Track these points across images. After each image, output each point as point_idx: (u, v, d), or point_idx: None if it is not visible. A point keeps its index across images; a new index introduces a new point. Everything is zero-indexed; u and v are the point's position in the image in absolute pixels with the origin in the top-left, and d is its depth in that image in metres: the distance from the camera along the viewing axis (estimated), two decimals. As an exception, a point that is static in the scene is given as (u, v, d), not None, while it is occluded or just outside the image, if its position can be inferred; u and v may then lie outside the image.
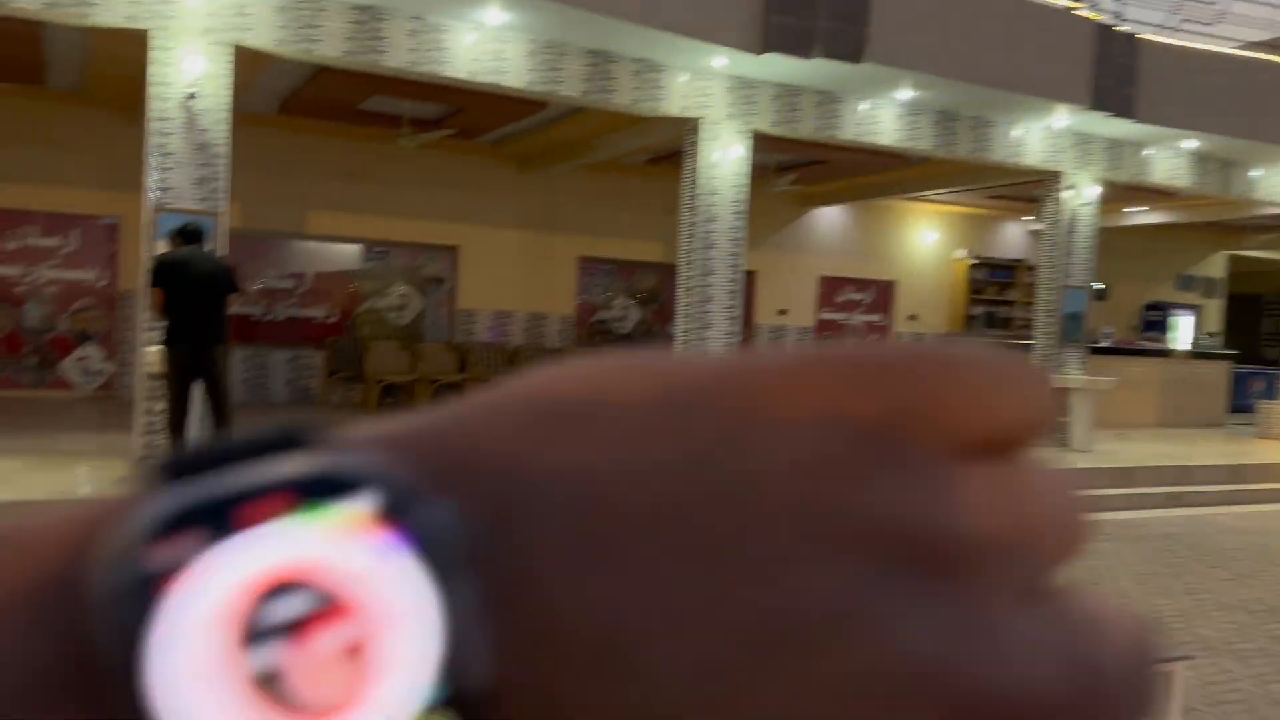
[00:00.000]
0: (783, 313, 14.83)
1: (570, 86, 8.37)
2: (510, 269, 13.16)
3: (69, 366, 11.18)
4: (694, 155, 9.22)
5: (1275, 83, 10.64)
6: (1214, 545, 7.84)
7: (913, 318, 15.77)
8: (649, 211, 13.49)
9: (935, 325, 15.90)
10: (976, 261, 16.03)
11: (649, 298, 14.20)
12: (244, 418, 7.36)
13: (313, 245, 12.21)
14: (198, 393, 6.73)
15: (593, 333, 13.88)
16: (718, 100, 9.07)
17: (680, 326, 9.42)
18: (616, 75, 8.55)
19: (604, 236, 13.67)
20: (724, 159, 9.21)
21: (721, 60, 8.62)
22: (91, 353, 11.26)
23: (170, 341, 6.53)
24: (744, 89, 9.15)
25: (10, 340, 10.91)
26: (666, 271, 13.78)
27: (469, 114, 10.52)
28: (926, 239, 15.87)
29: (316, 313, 12.27)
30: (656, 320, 14.19)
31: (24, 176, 10.68)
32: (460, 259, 12.90)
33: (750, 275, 13.64)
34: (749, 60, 8.54)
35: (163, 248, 6.70)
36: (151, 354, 6.71)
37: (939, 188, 13.15)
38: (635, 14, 7.70)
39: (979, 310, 16.10)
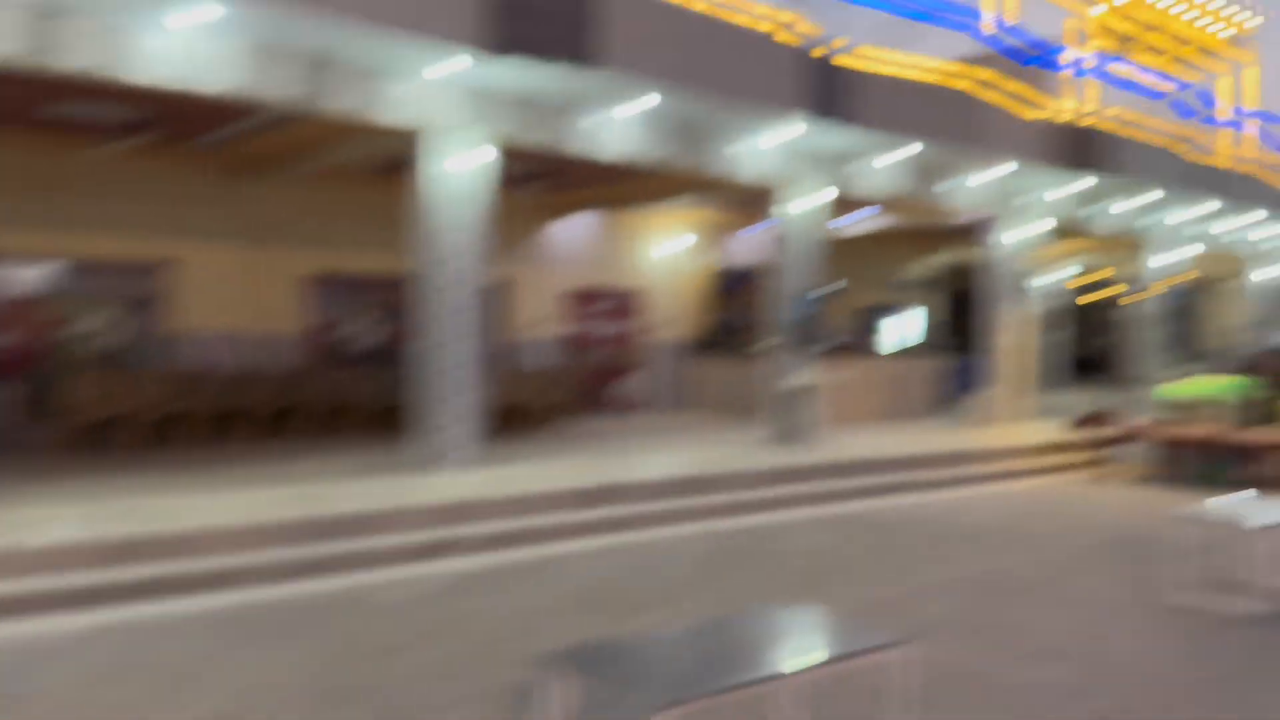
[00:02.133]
0: (534, 324, 14.69)
1: (285, 91, 7.77)
2: (233, 286, 12.13)
3: None
4: (426, 164, 8.86)
5: (964, 100, 11.76)
6: (932, 528, 8.47)
7: (661, 325, 16.13)
8: (386, 223, 12.85)
9: (680, 331, 16.34)
10: (717, 268, 16.64)
11: (388, 313, 13.56)
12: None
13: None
14: None
15: (326, 352, 13.07)
16: (449, 108, 8.76)
17: (420, 342, 9.02)
18: (337, 81, 8.04)
19: (338, 250, 12.93)
20: (461, 169, 8.92)
21: (453, 67, 8.33)
22: None
23: None
24: (477, 97, 8.89)
25: None
26: (406, 285, 13.26)
27: (173, 120, 9.56)
28: (671, 247, 16.28)
29: (3, 342, 10.73)
30: (396, 337, 13.56)
31: None
32: (173, 276, 11.72)
33: (497, 288, 13.41)
34: (481, 68, 8.31)
35: None
36: None
37: (678, 196, 13.50)
38: (358, 11, 7.26)
39: (720, 316, 16.72)
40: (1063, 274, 19.21)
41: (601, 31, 8.50)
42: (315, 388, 12.15)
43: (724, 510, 8.73)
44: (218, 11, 6.97)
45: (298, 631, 5.26)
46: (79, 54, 6.83)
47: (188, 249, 11.76)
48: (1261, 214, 17.55)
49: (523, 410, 12.60)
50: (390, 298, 13.45)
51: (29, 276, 10.91)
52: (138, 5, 6.83)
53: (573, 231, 15.25)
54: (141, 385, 10.82)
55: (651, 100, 9.43)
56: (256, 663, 4.76)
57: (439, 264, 8.88)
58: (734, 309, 16.82)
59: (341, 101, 8.10)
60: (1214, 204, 16.05)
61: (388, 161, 11.31)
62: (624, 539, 7.81)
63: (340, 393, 12.28)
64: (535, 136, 9.32)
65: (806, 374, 11.47)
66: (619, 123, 9.79)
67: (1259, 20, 20.00)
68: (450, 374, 8.92)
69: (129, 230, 11.30)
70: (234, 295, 12.12)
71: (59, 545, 5.84)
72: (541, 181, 12.55)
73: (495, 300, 13.38)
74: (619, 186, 13.37)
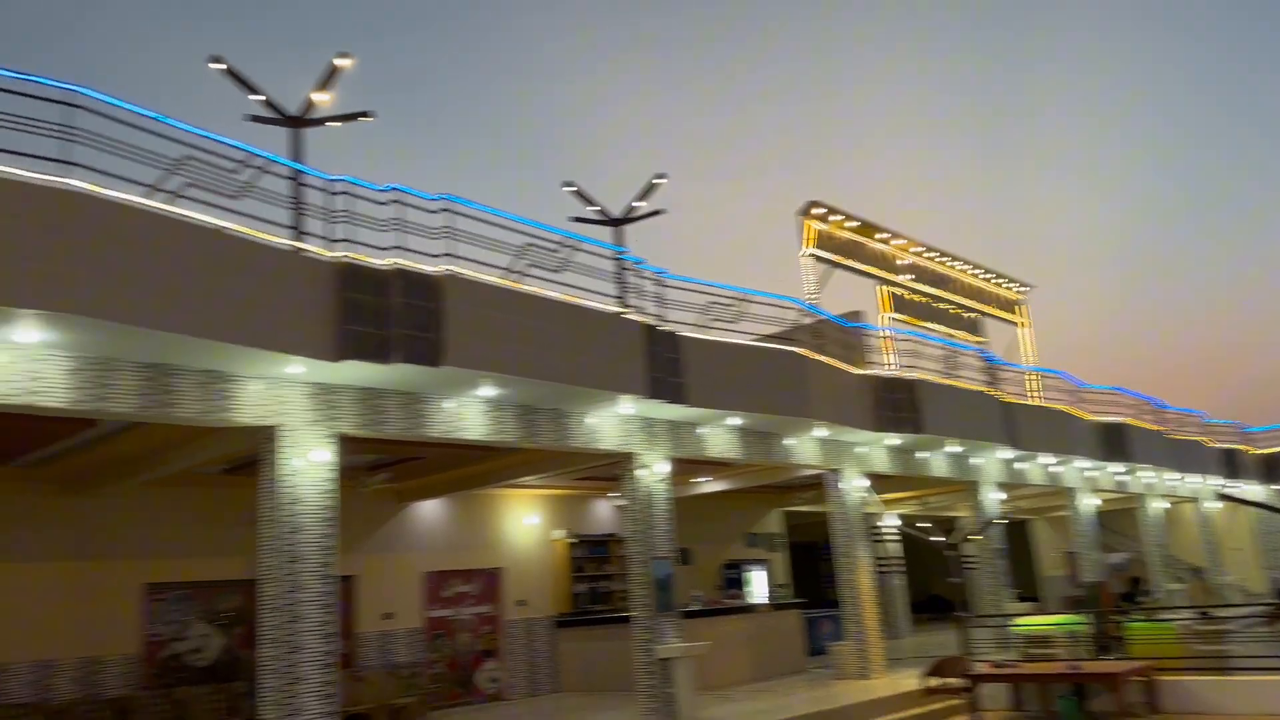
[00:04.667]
0: (388, 616, 14.05)
1: (123, 403, 7.69)
2: (53, 608, 11.21)
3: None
4: (271, 464, 8.74)
5: (790, 367, 12.71)
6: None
7: (521, 602, 15.71)
8: (227, 524, 12.41)
9: (543, 608, 15.96)
10: (575, 540, 16.60)
11: (233, 620, 12.74)
12: None
13: None
14: None
15: (164, 670, 12.03)
16: (295, 406, 8.81)
17: (265, 651, 8.47)
18: (179, 387, 8.03)
19: (175, 558, 12.26)
20: (306, 465, 8.83)
21: (297, 368, 8.48)
22: None
23: None
24: (324, 394, 9.01)
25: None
26: (251, 589, 12.60)
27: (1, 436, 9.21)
28: (527, 523, 16.21)
29: None
30: (242, 645, 12.66)
31: None
32: (-13, 604, 10.77)
33: (347, 581, 12.89)
34: (326, 367, 8.49)
35: None
36: None
37: (530, 474, 13.65)
38: (198, 329, 7.39)
39: (583, 588, 16.49)
40: (898, 518, 20.13)
41: (440, 330, 8.87)
42: (147, 714, 11.05)
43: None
44: (39, 335, 6.98)
45: None
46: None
47: (3, 573, 10.91)
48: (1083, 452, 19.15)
49: (376, 714, 11.77)
50: (235, 602, 12.71)
51: None
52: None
53: (428, 515, 15.05)
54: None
55: (491, 391, 9.80)
56: None
57: (287, 564, 8.55)
58: (595, 578, 16.67)
59: (185, 409, 8.05)
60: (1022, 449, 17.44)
61: (230, 463, 11.09)
62: None
63: (179, 714, 11.20)
64: (384, 427, 9.42)
65: (674, 641, 11.33)
66: (476, 405, 10.06)
67: (1029, 289, 23.00)
68: (301, 684, 8.36)
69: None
70: (59, 618, 11.18)
71: None
72: (391, 469, 12.51)
73: (347, 594, 12.81)
74: (470, 467, 13.45)
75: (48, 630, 11.12)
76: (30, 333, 6.97)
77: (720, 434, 12.78)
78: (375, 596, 13.99)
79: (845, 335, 14.87)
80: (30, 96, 7.16)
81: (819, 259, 16.96)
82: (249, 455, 10.28)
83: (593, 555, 16.80)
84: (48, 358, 7.33)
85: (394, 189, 9.23)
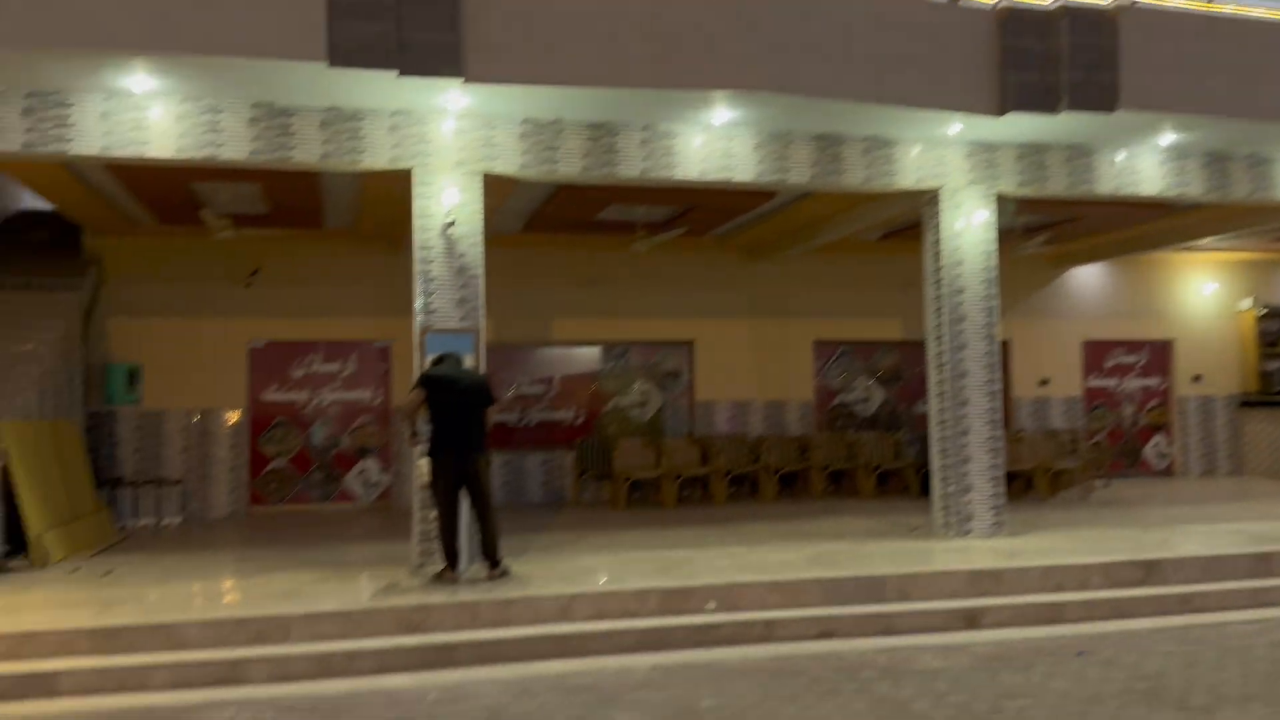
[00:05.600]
0: (1044, 382, 13.82)
1: (799, 173, 8.32)
2: (745, 358, 13.11)
3: (351, 480, 12.14)
4: (935, 226, 8.86)
5: None
6: None
7: (1197, 378, 14.24)
8: (884, 288, 13.12)
9: (1225, 386, 14.27)
10: (1265, 311, 14.31)
11: (890, 377, 13.69)
12: (504, 520, 7.62)
13: (558, 351, 12.76)
14: (464, 500, 7.06)
15: (834, 416, 13.50)
16: (956, 168, 8.71)
17: (933, 405, 8.93)
18: (846, 156, 8.42)
19: (839, 317, 13.38)
20: (967, 227, 8.78)
21: (956, 126, 8.30)
22: (370, 466, 12.19)
23: (436, 453, 6.94)
24: (984, 153, 8.74)
25: (299, 459, 12.01)
26: (906, 349, 13.28)
27: (698, 211, 10.71)
28: (1205, 291, 14.39)
29: (564, 415, 12.72)
30: (900, 400, 13.63)
31: (306, 311, 11.89)
32: (696, 352, 13.01)
33: (1003, 345, 12.88)
34: (986, 124, 8.16)
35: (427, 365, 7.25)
36: (421, 465, 7.12)
37: (1211, 234, 11.92)
38: (865, 93, 7.58)
39: (1275, 365, 14.29)
40: None
41: (1114, 70, 7.89)
42: (823, 451, 12.59)
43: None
44: (733, 112, 7.72)
45: (838, 689, 5.41)
46: (634, 161, 7.97)
47: (708, 327, 13.00)
48: None
49: (1040, 474, 11.83)
50: (892, 361, 13.60)
51: (581, 359, 12.86)
52: (680, 110, 7.79)
53: (1087, 281, 14.15)
54: (672, 450, 12.06)
55: (1171, 137, 8.56)
56: (802, 718, 4.97)
57: (952, 323, 8.76)
58: (1293, 356, 14.30)
59: (852, 176, 8.46)
60: None
61: (888, 227, 11.53)
62: (1170, 622, 6.90)
63: (847, 455, 12.57)
64: (1046, 185, 8.90)
65: None
66: (1152, 156, 8.99)
67: None
68: (968, 437, 8.70)
69: (660, 314, 12.81)
70: (749, 366, 13.10)
71: (631, 590, 6.68)
72: (1049, 230, 11.87)
73: (1003, 358, 12.83)
74: (1139, 228, 12.18)
75: (743, 376, 13.09)
76: (722, 113, 7.79)
77: None
78: (1029, 362, 13.80)
79: None
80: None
81: None
82: (905, 221, 10.58)
83: (1288, 329, 14.35)
84: (736, 137, 8.17)
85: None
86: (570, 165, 7.89)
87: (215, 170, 8.24)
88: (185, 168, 7.88)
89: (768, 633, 6.47)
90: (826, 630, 6.54)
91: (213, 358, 11.66)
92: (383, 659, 5.89)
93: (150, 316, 11.49)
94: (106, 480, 10.79)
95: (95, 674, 5.57)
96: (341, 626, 6.13)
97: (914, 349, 12.49)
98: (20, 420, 8.73)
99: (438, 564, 7.18)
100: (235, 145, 7.22)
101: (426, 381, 6.98)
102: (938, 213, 8.78)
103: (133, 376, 11.33)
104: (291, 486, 11.96)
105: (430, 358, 7.36)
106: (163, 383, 11.44)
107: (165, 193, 9.44)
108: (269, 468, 11.91)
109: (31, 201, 11.57)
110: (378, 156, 7.49)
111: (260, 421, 11.90)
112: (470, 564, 7.27)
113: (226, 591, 7.12)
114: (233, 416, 11.70)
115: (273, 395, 11.97)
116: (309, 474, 12.03)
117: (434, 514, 7.16)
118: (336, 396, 12.16)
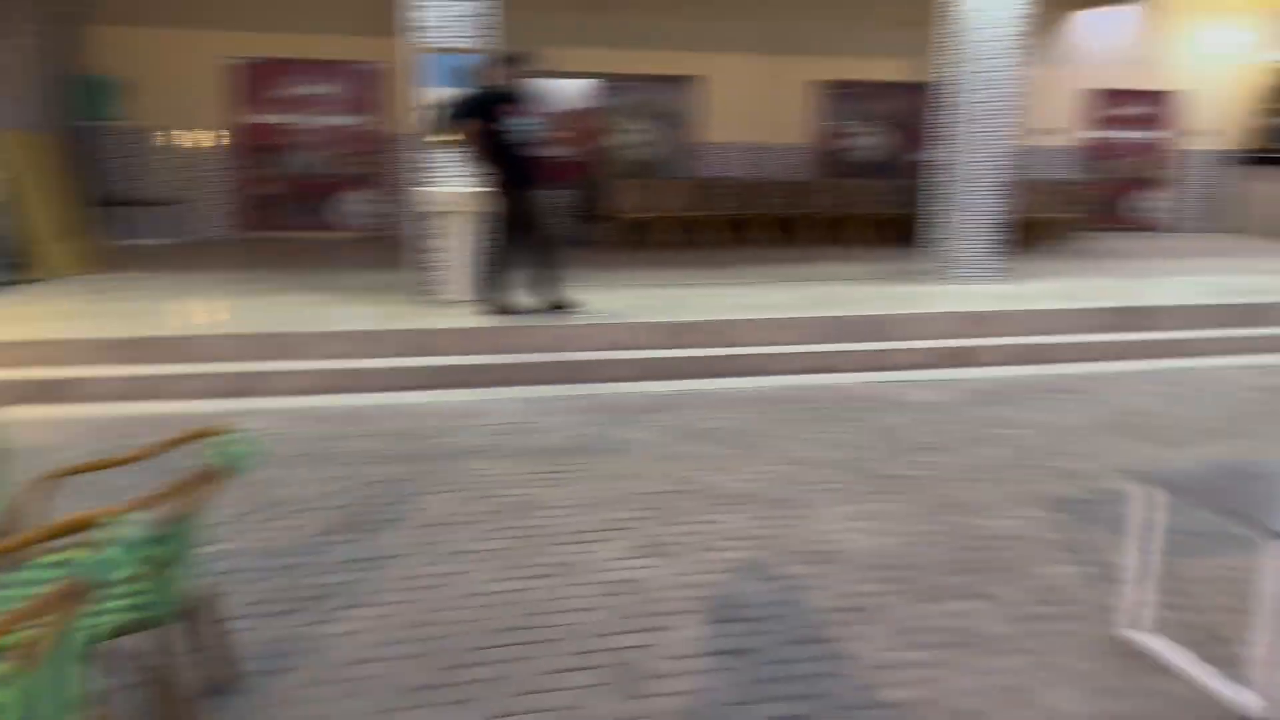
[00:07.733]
0: (1048, 131, 13.56)
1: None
2: (747, 99, 12.70)
3: (341, 209, 12.02)
4: (962, -43, 8.33)
5: None
6: None
7: (1201, 133, 14.01)
8: (894, 26, 12.52)
9: (1229, 141, 14.07)
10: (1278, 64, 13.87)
11: (896, 122, 13.35)
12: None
13: (557, 83, 12.26)
14: (522, 237, 6.90)
15: (835, 161, 13.29)
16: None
17: (938, 150, 8.79)
18: None
19: (844, 57, 12.85)
20: (996, -41, 8.26)
21: None
22: (362, 195, 12.03)
23: (505, 185, 6.71)
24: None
25: (287, 185, 11.81)
26: (914, 92, 12.88)
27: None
28: (1220, 40, 13.84)
29: (565, 152, 12.44)
30: (905, 146, 13.37)
31: (290, 25, 11.26)
32: (698, 90, 12.57)
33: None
34: None
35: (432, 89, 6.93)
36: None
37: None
38: None
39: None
40: None
41: None
42: (822, 196, 12.50)
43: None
44: None
45: (836, 418, 5.70)
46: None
47: (712, 64, 12.47)
48: None
49: (1034, 224, 11.89)
50: (897, 106, 13.23)
51: (581, 92, 12.38)
52: None
53: (1097, 25, 13.54)
54: (671, 192, 11.94)
55: None
56: (801, 439, 5.27)
57: (967, 66, 8.46)
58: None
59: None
60: None
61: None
62: (1155, 365, 7.23)
63: (845, 201, 12.50)
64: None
65: None
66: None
67: None
68: (971, 183, 8.65)
69: (663, 47, 12.23)
70: (751, 107, 12.70)
71: (641, 323, 6.84)
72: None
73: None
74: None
75: (745, 117, 12.72)
76: None
77: None
78: (1035, 108, 13.47)
79: None
80: None
81: None
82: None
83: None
84: None
85: None
86: None
87: None
88: None
89: (767, 366, 6.72)
90: (825, 366, 6.79)
91: (210, 72, 11.17)
92: (393, 378, 6.11)
93: (136, 26, 10.89)
94: (97, 199, 10.62)
95: (120, 382, 5.76)
96: (360, 345, 6.31)
97: (920, 94, 12.12)
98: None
99: (441, 293, 7.25)
100: None
101: (474, 104, 6.57)
102: (969, -60, 8.22)
103: (116, 90, 10.88)
104: (282, 213, 11.84)
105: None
106: (150, 99, 11.02)
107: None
108: (258, 192, 11.73)
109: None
110: None
111: (250, 145, 11.58)
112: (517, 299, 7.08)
113: (237, 310, 7.23)
114: (221, 137, 11.38)
115: (261, 117, 11.58)
116: (297, 201, 11.86)
117: (447, 246, 7.11)
118: (326, 121, 11.78)
